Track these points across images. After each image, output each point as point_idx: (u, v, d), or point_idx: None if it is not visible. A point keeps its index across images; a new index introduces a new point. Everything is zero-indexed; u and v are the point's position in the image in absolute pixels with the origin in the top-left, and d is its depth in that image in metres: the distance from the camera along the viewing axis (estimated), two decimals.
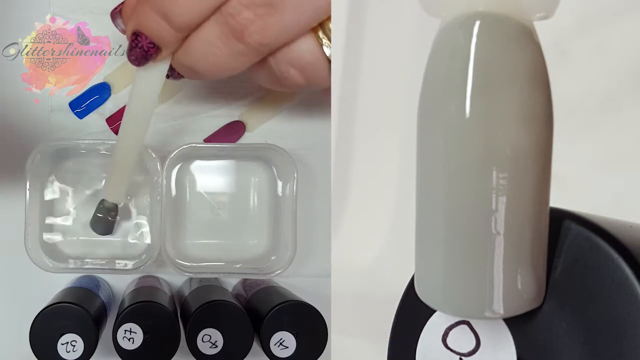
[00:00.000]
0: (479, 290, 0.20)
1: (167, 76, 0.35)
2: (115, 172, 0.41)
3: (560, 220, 0.21)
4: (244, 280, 0.45)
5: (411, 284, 0.25)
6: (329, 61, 0.33)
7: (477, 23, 0.20)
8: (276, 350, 0.38)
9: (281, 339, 0.38)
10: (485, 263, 0.20)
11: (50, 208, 0.43)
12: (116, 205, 0.42)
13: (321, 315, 0.38)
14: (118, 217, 0.43)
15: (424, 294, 0.22)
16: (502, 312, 0.20)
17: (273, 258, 0.44)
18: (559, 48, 0.43)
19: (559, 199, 0.22)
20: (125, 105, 0.43)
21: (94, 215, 0.42)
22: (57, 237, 0.44)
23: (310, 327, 0.38)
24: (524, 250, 0.20)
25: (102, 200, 0.42)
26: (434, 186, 0.21)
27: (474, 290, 0.20)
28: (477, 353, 0.23)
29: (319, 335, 0.38)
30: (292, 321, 0.38)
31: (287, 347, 0.38)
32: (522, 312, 0.21)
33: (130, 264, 0.43)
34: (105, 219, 0.42)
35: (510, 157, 0.20)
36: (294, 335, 0.38)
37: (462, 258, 0.20)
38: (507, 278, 0.20)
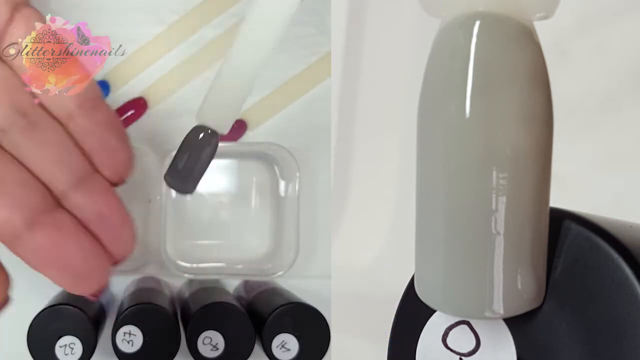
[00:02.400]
0: (479, 290, 0.20)
1: None
2: (225, 86, 0.29)
3: (560, 220, 0.21)
4: (246, 282, 0.44)
5: (411, 284, 0.25)
6: None
7: (477, 23, 0.20)
8: (278, 353, 0.37)
9: (283, 341, 0.38)
10: (485, 263, 0.20)
11: None
12: (217, 136, 0.29)
13: (324, 317, 0.38)
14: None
15: (424, 294, 0.22)
16: (502, 312, 0.20)
17: (275, 259, 0.44)
18: (559, 48, 0.43)
19: (559, 199, 0.22)
20: (127, 102, 0.43)
21: (179, 155, 0.30)
22: None
23: (312, 329, 0.38)
24: (524, 250, 0.20)
25: (196, 128, 0.30)
26: (434, 186, 0.21)
27: (474, 290, 0.20)
28: (477, 353, 0.23)
29: (321, 337, 0.38)
30: (294, 323, 0.38)
31: (290, 350, 0.38)
32: (522, 312, 0.21)
33: (130, 265, 0.43)
34: (196, 155, 0.29)
35: (510, 157, 0.20)
36: (296, 338, 0.38)
37: (462, 258, 0.20)
38: (507, 278, 0.20)
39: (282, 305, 0.38)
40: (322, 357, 0.38)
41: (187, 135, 0.30)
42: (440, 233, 0.21)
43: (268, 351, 0.37)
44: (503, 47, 0.20)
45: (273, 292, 0.42)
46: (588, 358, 0.20)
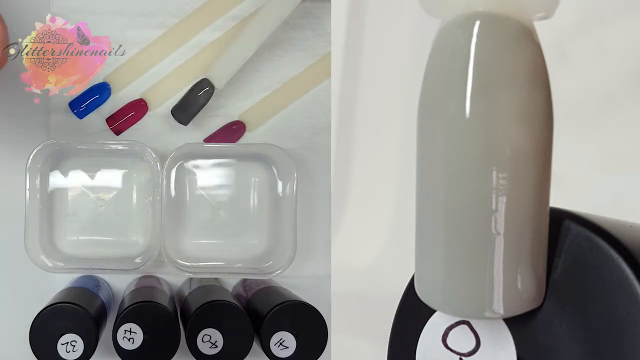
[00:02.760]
0: (479, 290, 0.20)
1: None
2: (230, 53, 0.41)
3: (560, 220, 0.21)
4: (244, 280, 0.45)
5: (411, 284, 0.25)
6: None
7: (477, 23, 0.20)
8: (276, 351, 0.38)
9: (281, 339, 0.38)
10: (485, 263, 0.20)
11: (50, 208, 0.43)
12: (213, 89, 0.42)
13: (321, 315, 0.38)
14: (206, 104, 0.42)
15: (424, 294, 0.22)
16: (502, 312, 0.20)
17: (273, 258, 0.44)
18: (559, 48, 0.43)
19: (559, 199, 0.22)
20: (128, 103, 0.43)
21: (184, 96, 0.42)
22: (57, 237, 0.44)
23: (310, 327, 0.38)
24: (524, 250, 0.20)
25: (203, 80, 0.42)
26: (434, 186, 0.21)
27: (474, 290, 0.20)
28: (477, 353, 0.23)
29: (319, 335, 0.38)
30: (292, 321, 0.38)
31: (287, 347, 0.38)
32: (522, 312, 0.21)
33: (130, 264, 0.43)
34: (195, 101, 0.41)
35: (510, 157, 0.20)
36: (294, 336, 0.38)
37: (462, 258, 0.20)
38: (507, 278, 0.20)
39: (280, 304, 0.38)
40: (320, 354, 0.38)
41: (195, 85, 0.42)
42: (440, 233, 0.21)
43: (266, 349, 0.37)
44: (503, 47, 0.20)
45: (271, 290, 0.42)
46: (588, 358, 0.20)
